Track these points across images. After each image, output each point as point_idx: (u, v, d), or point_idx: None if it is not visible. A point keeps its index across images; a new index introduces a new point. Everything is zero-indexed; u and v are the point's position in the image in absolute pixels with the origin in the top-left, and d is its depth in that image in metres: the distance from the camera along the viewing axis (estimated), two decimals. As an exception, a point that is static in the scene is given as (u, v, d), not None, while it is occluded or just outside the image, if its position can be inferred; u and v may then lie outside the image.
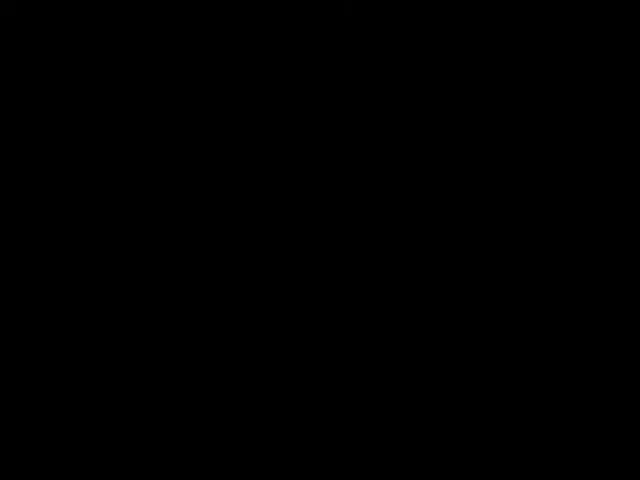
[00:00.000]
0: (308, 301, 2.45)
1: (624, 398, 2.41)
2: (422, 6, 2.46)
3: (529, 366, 2.44)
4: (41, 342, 2.41)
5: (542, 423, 2.43)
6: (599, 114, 2.48)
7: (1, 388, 2.40)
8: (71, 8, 2.39)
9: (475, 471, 2.42)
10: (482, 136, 2.47)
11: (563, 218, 2.47)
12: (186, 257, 2.45)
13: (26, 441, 2.39)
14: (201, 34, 2.46)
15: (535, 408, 2.43)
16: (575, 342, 2.44)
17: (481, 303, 2.45)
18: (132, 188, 2.45)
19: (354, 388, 2.45)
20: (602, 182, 2.47)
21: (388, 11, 2.47)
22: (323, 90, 2.47)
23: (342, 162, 2.46)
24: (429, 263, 2.47)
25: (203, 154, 2.47)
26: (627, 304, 2.43)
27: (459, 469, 2.43)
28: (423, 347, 2.44)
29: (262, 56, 2.48)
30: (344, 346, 2.45)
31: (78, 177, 2.44)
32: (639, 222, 2.44)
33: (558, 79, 2.48)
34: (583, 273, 2.45)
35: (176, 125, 2.46)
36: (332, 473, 2.42)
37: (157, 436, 2.40)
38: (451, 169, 2.47)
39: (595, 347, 2.43)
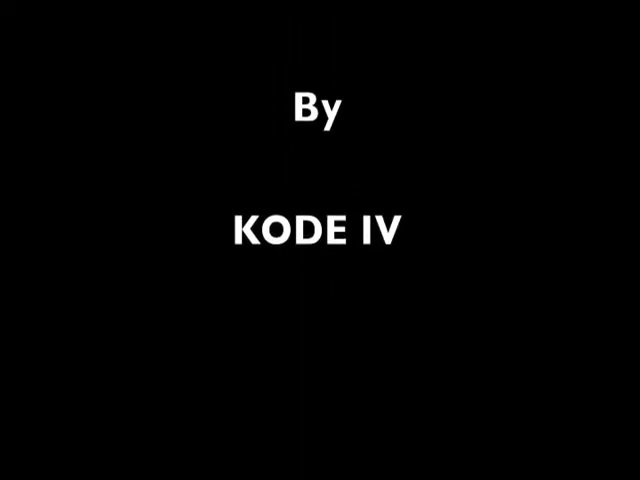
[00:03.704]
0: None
1: (624, 397, 2.44)
2: (420, 7, 2.47)
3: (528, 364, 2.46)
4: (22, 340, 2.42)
5: (541, 422, 2.45)
6: (599, 114, 2.50)
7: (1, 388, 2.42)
8: (71, 8, 2.40)
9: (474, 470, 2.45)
10: (480, 137, 2.49)
11: (562, 217, 2.49)
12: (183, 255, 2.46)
13: (25, 440, 2.41)
14: (200, 34, 2.47)
15: (534, 406, 2.45)
16: (575, 341, 2.46)
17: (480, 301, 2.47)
18: (131, 187, 2.46)
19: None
20: (602, 182, 2.49)
21: (385, 11, 2.48)
22: (323, 88, 2.48)
23: (340, 159, 2.47)
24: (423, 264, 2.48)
25: (202, 152, 2.48)
26: (627, 303, 2.45)
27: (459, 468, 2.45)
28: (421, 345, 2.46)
29: (263, 55, 2.49)
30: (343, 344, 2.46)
31: (77, 175, 2.45)
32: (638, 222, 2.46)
33: (552, 77, 2.50)
34: (583, 272, 2.47)
35: (176, 124, 2.47)
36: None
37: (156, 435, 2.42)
38: (448, 167, 2.49)
39: (595, 347, 2.45)
